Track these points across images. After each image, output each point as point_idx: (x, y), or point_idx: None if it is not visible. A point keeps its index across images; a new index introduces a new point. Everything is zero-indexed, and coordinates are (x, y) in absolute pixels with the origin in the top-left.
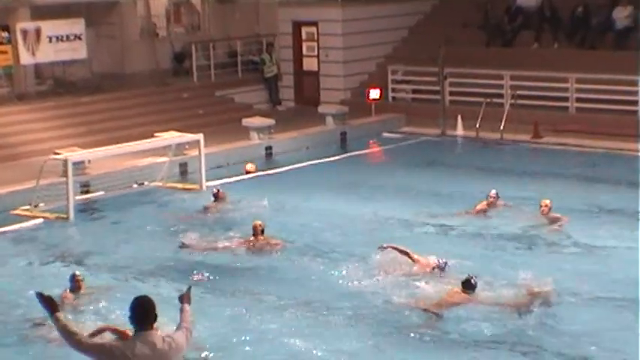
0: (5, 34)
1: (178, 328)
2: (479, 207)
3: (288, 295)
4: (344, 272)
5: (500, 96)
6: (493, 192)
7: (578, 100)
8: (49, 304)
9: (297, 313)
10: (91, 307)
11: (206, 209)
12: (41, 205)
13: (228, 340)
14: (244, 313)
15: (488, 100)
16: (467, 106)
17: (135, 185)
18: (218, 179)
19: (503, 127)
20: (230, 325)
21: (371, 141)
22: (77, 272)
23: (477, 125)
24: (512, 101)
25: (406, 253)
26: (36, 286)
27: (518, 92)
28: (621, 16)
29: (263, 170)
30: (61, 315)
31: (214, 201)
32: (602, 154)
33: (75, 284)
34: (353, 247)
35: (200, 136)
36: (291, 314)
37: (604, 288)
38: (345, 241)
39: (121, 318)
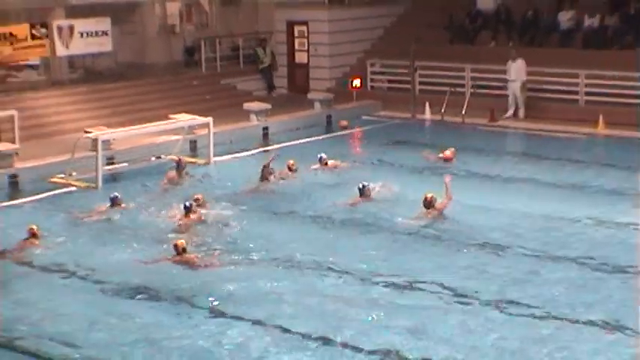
0: (43, 30)
1: None
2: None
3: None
4: None
5: (462, 86)
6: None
7: (530, 89)
8: None
9: None
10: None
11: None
12: (74, 174)
13: None
14: None
15: (452, 89)
16: (434, 94)
17: (153, 158)
18: (223, 155)
19: (465, 112)
20: None
21: (342, 122)
22: (116, 194)
23: (442, 110)
24: (472, 90)
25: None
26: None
27: (478, 83)
28: (565, 19)
29: (259, 148)
30: None
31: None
32: (546, 137)
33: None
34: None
35: (210, 119)
36: None
37: None
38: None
39: None
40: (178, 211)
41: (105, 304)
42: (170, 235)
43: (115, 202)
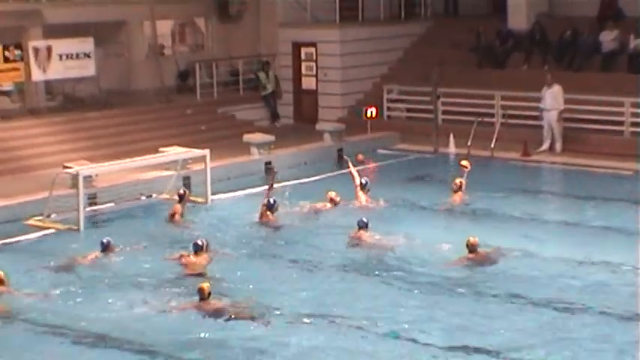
0: (18, 52)
1: None
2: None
3: None
4: None
5: (492, 115)
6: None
7: (567, 120)
8: None
9: None
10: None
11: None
12: (53, 215)
13: None
14: None
15: (480, 119)
16: (459, 124)
17: (143, 198)
18: (221, 193)
19: (494, 145)
20: None
21: (359, 156)
22: (109, 239)
23: (469, 143)
24: (503, 120)
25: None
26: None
27: (509, 112)
28: (607, 39)
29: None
30: None
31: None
32: (588, 172)
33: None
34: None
35: (206, 152)
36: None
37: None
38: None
39: None
40: (178, 254)
41: None
42: (173, 283)
43: (107, 247)
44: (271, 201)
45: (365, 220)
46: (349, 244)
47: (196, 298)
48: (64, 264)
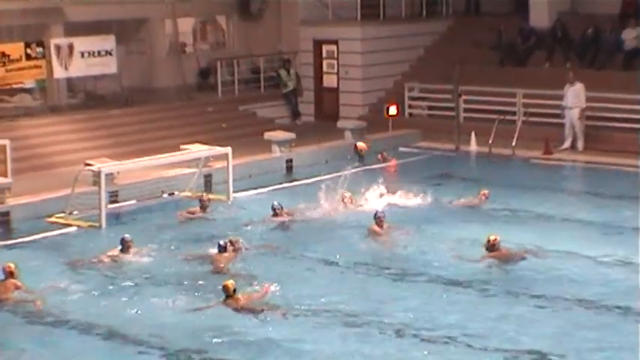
0: (40, 50)
1: None
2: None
3: None
4: None
5: (513, 113)
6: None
7: (589, 118)
8: None
9: None
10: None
11: None
12: (75, 212)
13: None
14: None
15: (501, 117)
16: (480, 123)
17: (165, 195)
18: (242, 190)
19: (515, 143)
20: None
21: (382, 154)
22: (127, 235)
23: (490, 141)
24: (525, 118)
25: None
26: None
27: (530, 110)
28: (629, 37)
29: (283, 183)
30: None
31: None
32: (609, 171)
33: (125, 245)
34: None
35: (228, 150)
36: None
37: None
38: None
39: None
40: (201, 252)
41: None
42: (197, 281)
43: (126, 244)
44: (275, 203)
45: (382, 212)
46: (368, 239)
47: (221, 295)
48: (85, 261)
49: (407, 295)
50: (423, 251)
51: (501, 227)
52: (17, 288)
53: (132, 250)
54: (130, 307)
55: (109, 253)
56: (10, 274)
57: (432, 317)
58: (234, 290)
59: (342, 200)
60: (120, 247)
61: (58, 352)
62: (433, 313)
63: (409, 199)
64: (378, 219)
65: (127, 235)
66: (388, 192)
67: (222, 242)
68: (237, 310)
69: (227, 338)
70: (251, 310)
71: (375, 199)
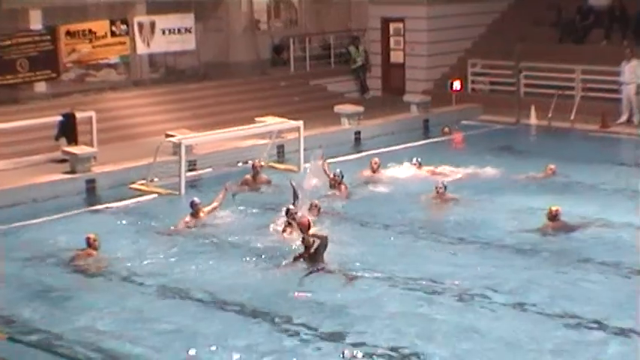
0: (124, 27)
1: None
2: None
3: None
4: None
5: (572, 89)
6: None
7: None
8: None
9: None
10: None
11: None
12: (155, 180)
13: None
14: None
15: (560, 92)
16: (540, 97)
17: (239, 164)
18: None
19: (574, 117)
20: None
21: (445, 128)
22: (196, 199)
23: (549, 115)
24: (583, 93)
25: None
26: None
27: (588, 85)
28: None
29: (352, 154)
30: None
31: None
32: None
33: (195, 209)
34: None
35: (300, 123)
36: None
37: None
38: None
39: None
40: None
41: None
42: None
43: (195, 207)
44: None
45: (442, 182)
46: (428, 208)
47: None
48: (163, 227)
49: (468, 262)
50: (483, 220)
51: (561, 198)
52: (90, 255)
53: (202, 213)
54: (207, 270)
55: (186, 219)
56: (89, 245)
57: (494, 284)
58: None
59: (371, 166)
60: (190, 212)
61: (139, 315)
62: (494, 280)
63: (470, 170)
64: (437, 189)
65: (195, 199)
66: (450, 164)
67: (290, 206)
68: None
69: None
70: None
71: (435, 169)
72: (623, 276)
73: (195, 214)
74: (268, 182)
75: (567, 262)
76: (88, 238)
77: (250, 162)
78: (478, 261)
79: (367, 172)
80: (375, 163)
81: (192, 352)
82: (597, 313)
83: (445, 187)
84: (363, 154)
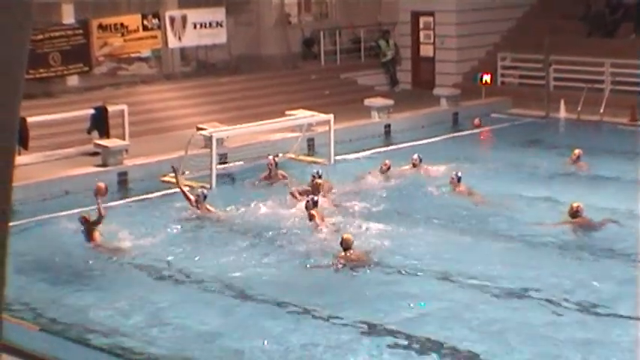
0: (155, 21)
1: None
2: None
3: None
4: None
5: (601, 82)
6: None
7: None
8: None
9: None
10: None
11: None
12: (186, 173)
13: None
14: None
15: (590, 85)
16: (570, 91)
17: (270, 157)
18: (343, 154)
19: (603, 110)
20: None
21: (476, 120)
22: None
23: (579, 109)
24: (612, 87)
25: None
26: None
27: (617, 79)
28: None
29: (382, 147)
30: None
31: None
32: None
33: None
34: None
35: (331, 116)
36: None
37: None
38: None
39: None
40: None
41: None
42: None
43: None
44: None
45: (456, 174)
46: (449, 200)
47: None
48: (196, 217)
49: (486, 254)
50: (506, 214)
51: (588, 191)
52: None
53: (204, 206)
54: (239, 261)
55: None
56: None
57: (512, 274)
58: (352, 243)
59: (412, 163)
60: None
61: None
62: (514, 271)
63: (497, 162)
64: (452, 179)
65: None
66: (476, 157)
67: (315, 197)
68: (352, 263)
69: (335, 288)
70: (362, 265)
71: (463, 163)
72: None
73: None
74: (284, 177)
75: (587, 255)
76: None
77: (270, 156)
78: (495, 253)
79: (377, 174)
80: (385, 165)
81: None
82: (618, 308)
83: (459, 179)
84: (393, 147)
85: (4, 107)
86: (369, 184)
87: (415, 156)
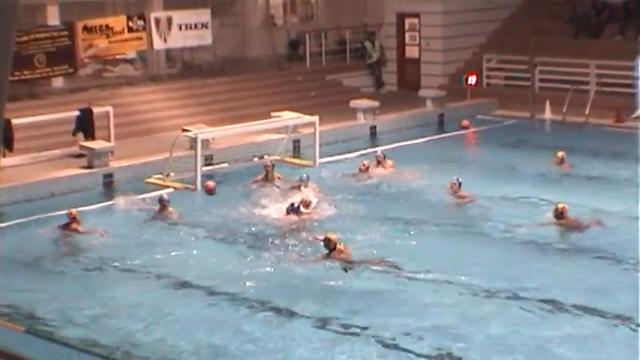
0: (140, 22)
1: None
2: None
3: None
4: None
5: (586, 83)
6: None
7: None
8: None
9: None
10: None
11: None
12: (172, 174)
13: None
14: None
15: (575, 87)
16: (555, 92)
17: (255, 159)
18: (328, 156)
19: (588, 112)
20: None
21: (464, 121)
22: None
23: (564, 110)
24: (597, 88)
25: None
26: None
27: (603, 80)
28: None
29: (367, 149)
30: None
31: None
32: None
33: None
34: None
35: (316, 118)
36: None
37: None
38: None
39: None
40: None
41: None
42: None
43: (162, 203)
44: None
45: (456, 178)
46: (443, 202)
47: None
48: (179, 219)
49: (475, 255)
50: (493, 215)
51: (574, 192)
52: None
53: (168, 210)
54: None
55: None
56: (73, 220)
57: (495, 275)
58: (335, 244)
59: (377, 159)
60: (159, 206)
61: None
62: (497, 272)
63: (483, 164)
64: (452, 184)
65: (164, 195)
66: (463, 158)
67: (295, 204)
68: (342, 261)
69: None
70: (349, 262)
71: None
72: (634, 271)
73: (162, 209)
74: (279, 179)
75: (573, 256)
76: (69, 213)
77: (265, 157)
78: (483, 254)
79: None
80: (364, 165)
81: None
82: (615, 309)
83: (460, 184)
84: (378, 148)
85: None
86: (351, 186)
87: (379, 152)
